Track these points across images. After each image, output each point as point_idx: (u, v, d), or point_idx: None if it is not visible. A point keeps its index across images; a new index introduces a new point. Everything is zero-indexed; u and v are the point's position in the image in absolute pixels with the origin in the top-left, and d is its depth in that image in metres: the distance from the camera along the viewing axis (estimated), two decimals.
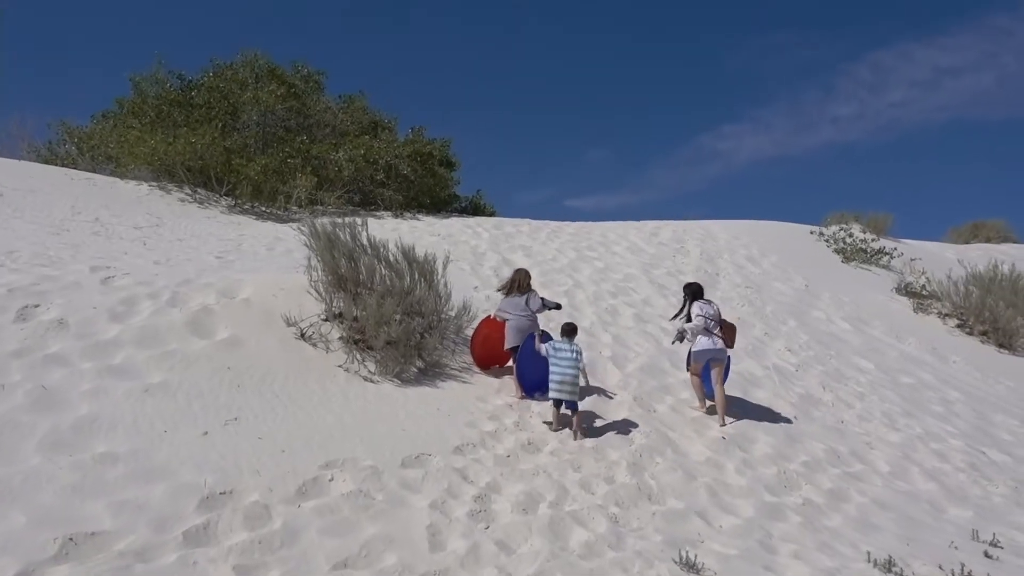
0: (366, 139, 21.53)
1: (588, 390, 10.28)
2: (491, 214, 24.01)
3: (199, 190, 20.13)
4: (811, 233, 23.08)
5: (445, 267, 11.40)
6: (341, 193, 19.43)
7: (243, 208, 19.61)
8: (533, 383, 9.81)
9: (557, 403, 9.03)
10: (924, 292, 18.29)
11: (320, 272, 10.58)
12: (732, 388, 11.15)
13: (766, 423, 9.96)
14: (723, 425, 9.52)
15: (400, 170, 21.21)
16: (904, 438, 10.38)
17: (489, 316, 10.82)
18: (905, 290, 18.61)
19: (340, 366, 9.65)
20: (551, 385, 9.08)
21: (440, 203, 23.36)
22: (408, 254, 11.09)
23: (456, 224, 19.91)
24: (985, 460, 10.04)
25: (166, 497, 6.21)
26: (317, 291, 10.27)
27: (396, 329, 9.82)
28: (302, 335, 10.04)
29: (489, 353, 10.63)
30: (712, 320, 9.77)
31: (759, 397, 10.99)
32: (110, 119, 22.03)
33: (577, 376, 9.07)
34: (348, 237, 10.64)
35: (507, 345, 10.28)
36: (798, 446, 9.41)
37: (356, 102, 23.57)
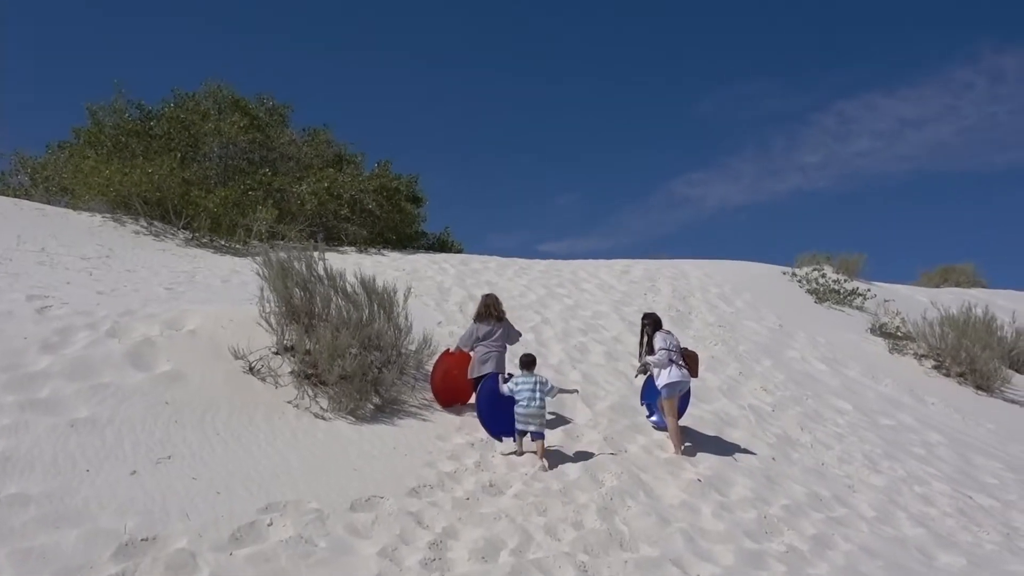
0: (330, 172, 20.98)
1: (556, 428, 9.69)
2: (459, 251, 23.47)
3: (155, 223, 19.41)
4: (783, 273, 22.78)
5: (406, 299, 10.82)
6: (303, 227, 18.79)
7: (200, 241, 18.91)
8: (499, 428, 9.09)
9: (522, 433, 8.76)
10: (899, 333, 17.95)
11: (272, 303, 9.95)
12: (707, 427, 10.62)
13: (743, 465, 9.41)
14: (677, 451, 9.29)
15: (365, 205, 20.63)
16: (887, 481, 9.86)
17: (448, 350, 10.29)
18: (880, 331, 18.26)
19: (290, 402, 8.99)
20: (517, 419, 8.77)
21: (406, 239, 22.79)
22: (367, 284, 10.50)
23: (421, 260, 19.35)
24: (973, 505, 9.53)
25: (79, 544, 5.51)
26: (268, 322, 9.63)
27: (351, 363, 9.19)
28: (251, 369, 9.39)
29: (450, 388, 10.05)
30: (675, 351, 9.55)
31: (735, 437, 10.44)
32: (66, 149, 21.33)
33: (544, 408, 8.81)
34: (303, 266, 10.03)
35: (472, 375, 9.81)
36: (778, 489, 8.86)
37: (320, 135, 23.04)
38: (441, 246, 24.35)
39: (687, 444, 9.61)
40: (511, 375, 9.34)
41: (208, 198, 18.61)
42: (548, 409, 9.07)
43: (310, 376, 9.50)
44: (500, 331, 9.98)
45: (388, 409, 9.55)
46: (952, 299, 23.44)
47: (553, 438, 9.33)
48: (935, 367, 16.74)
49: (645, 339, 9.82)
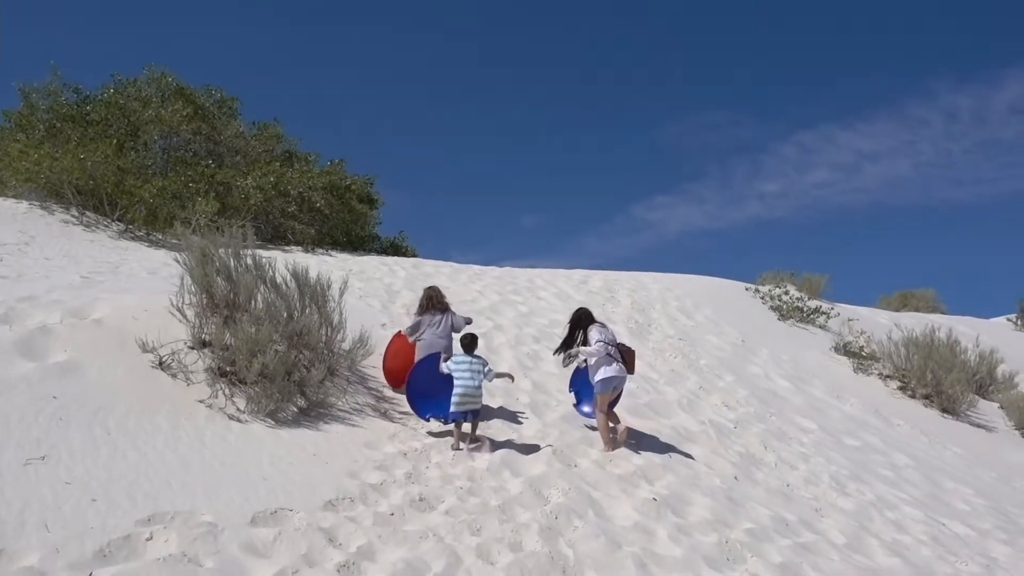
0: (277, 166, 19.92)
1: (500, 439, 8.81)
2: (413, 256, 22.50)
3: (88, 213, 18.21)
4: (746, 289, 22.14)
5: (342, 293, 9.89)
6: (245, 222, 17.69)
7: (135, 234, 17.77)
8: (428, 408, 9.00)
9: (458, 421, 8.52)
10: (864, 353, 17.34)
11: (191, 292, 8.96)
12: (665, 443, 9.80)
13: (704, 484, 8.58)
14: (608, 449, 8.87)
15: (313, 202, 19.58)
16: (856, 505, 9.09)
17: (400, 332, 10.25)
18: (844, 350, 17.64)
19: (202, 401, 8.01)
20: (453, 400, 8.47)
21: (357, 241, 21.70)
22: (298, 276, 9.56)
23: (371, 261, 18.37)
24: (948, 533, 8.80)
25: None
26: (181, 312, 8.63)
27: (272, 360, 8.22)
28: (160, 363, 8.39)
29: (402, 368, 9.68)
30: (612, 345, 9.12)
31: (695, 454, 9.63)
32: None
33: (480, 388, 8.64)
34: (227, 253, 9.06)
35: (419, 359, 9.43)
36: (740, 511, 8.03)
37: (270, 129, 21.91)
38: (395, 251, 23.33)
39: (631, 441, 9.22)
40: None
41: (144, 188, 17.45)
42: (490, 419, 8.26)
43: (228, 374, 8.53)
44: (445, 321, 9.77)
45: (314, 413, 8.59)
46: (914, 322, 22.96)
47: (497, 451, 8.45)
48: (900, 388, 16.13)
49: (580, 333, 9.34)
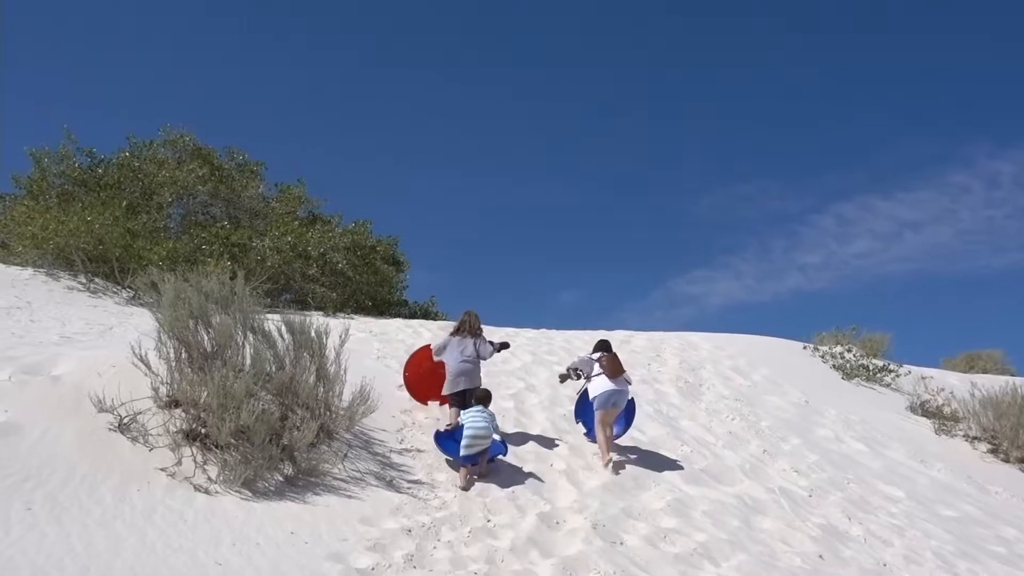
0: (295, 225, 18.80)
1: (528, 513, 7.25)
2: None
3: (96, 280, 17.18)
4: (804, 348, 20.36)
5: (342, 342, 8.51)
6: (258, 284, 16.48)
7: (144, 301, 16.62)
8: (448, 442, 8.54)
9: (468, 464, 8.08)
10: (945, 413, 15.44)
11: (163, 343, 7.64)
12: (730, 515, 8.13)
13: (782, 564, 6.91)
14: (607, 464, 8.77)
15: (335, 263, 18.38)
16: None
17: (428, 345, 10.20)
18: (922, 409, 15.75)
19: (164, 469, 6.60)
20: (463, 443, 8.06)
21: (383, 306, 20.37)
22: (291, 323, 8.21)
23: (395, 323, 17.01)
24: None
25: None
26: (145, 363, 7.28)
27: (249, 417, 6.80)
28: (120, 425, 7.01)
29: (427, 376, 9.94)
30: (596, 362, 9.39)
31: (767, 527, 7.95)
32: (7, 199, 19.26)
33: (490, 429, 8.29)
34: (200, 295, 7.75)
35: (446, 391, 9.30)
36: None
37: (293, 190, 20.93)
38: (425, 317, 21.98)
39: (619, 457, 9.08)
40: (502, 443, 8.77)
41: (154, 251, 16.38)
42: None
43: (200, 437, 7.13)
44: (474, 346, 9.49)
45: (302, 482, 7.12)
46: (988, 381, 20.92)
47: (525, 526, 6.90)
48: (991, 451, 14.17)
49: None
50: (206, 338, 7.55)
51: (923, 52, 67.55)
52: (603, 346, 9.86)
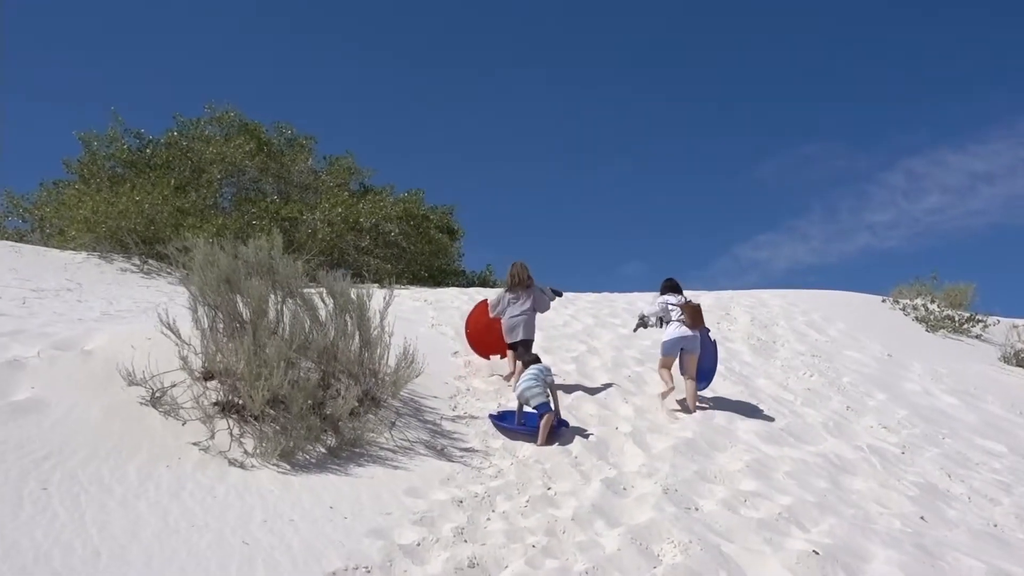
0: (344, 196, 18.33)
1: (589, 481, 6.63)
2: None
3: (150, 261, 16.99)
4: (883, 301, 19.26)
5: (388, 304, 7.97)
6: (311, 257, 16.06)
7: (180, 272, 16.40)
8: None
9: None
10: None
11: (195, 309, 7.18)
12: (815, 475, 7.38)
13: (879, 528, 6.16)
14: (691, 411, 8.77)
15: (388, 233, 17.88)
16: None
17: (486, 301, 10.19)
18: (1016, 359, 14.67)
19: (196, 443, 6.13)
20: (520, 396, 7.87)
21: (439, 276, 19.81)
22: (332, 287, 7.69)
23: (450, 292, 16.48)
24: None
25: None
26: (174, 331, 6.82)
27: (283, 383, 6.29)
28: (153, 398, 6.57)
29: (487, 328, 9.85)
30: (676, 307, 9.16)
31: (858, 488, 7.18)
32: (61, 185, 19.19)
33: (537, 382, 7.83)
34: (232, 255, 7.27)
35: (509, 340, 9.37)
36: (943, 566, 5.57)
37: (341, 162, 20.45)
38: (482, 285, 21.41)
39: (702, 406, 9.02)
40: (563, 421, 8.07)
41: (204, 228, 16.08)
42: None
43: (238, 409, 6.65)
44: (528, 298, 9.44)
45: (345, 453, 6.60)
46: None
47: (589, 493, 6.28)
48: None
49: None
50: (240, 303, 7.05)
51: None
52: (672, 286, 9.55)
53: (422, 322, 12.75)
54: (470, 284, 20.97)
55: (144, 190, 16.41)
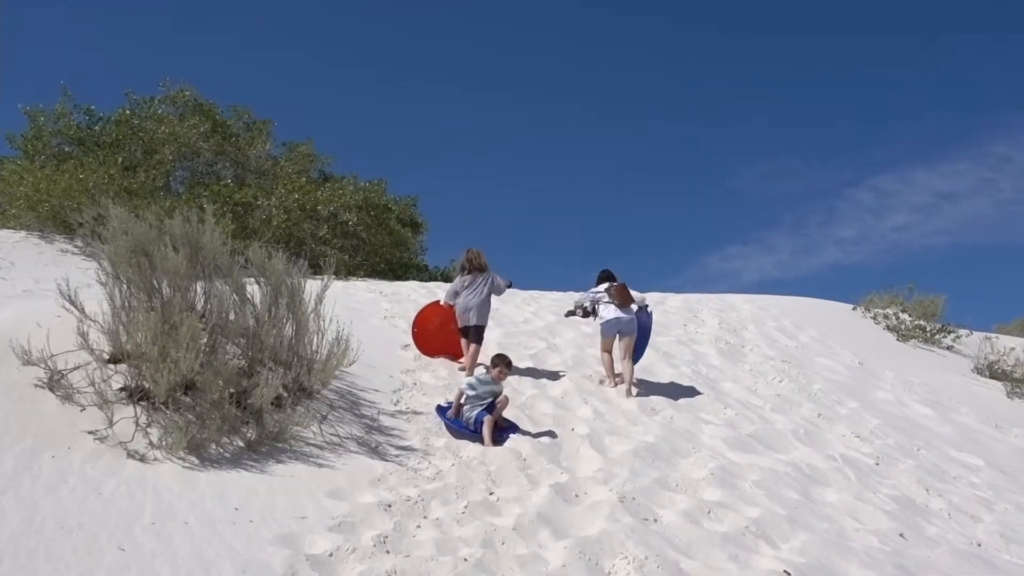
0: (302, 182, 17.54)
1: (537, 486, 5.97)
2: None
3: (94, 242, 16.09)
4: (853, 309, 18.84)
5: (325, 287, 7.27)
6: (264, 244, 15.21)
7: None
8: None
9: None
10: (1017, 375, 13.91)
11: (109, 280, 6.45)
12: (786, 486, 6.78)
13: (856, 545, 5.56)
14: (631, 395, 8.82)
15: (346, 222, 17.10)
16: None
17: (437, 302, 10.07)
18: (990, 371, 14.25)
19: (93, 432, 5.39)
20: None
21: (400, 269, 19.07)
22: (264, 266, 6.98)
23: (409, 285, 15.76)
24: None
25: None
26: (75, 304, 6.08)
27: (192, 364, 5.57)
28: (51, 381, 5.82)
29: (434, 330, 9.63)
30: (606, 291, 9.21)
31: (831, 502, 6.59)
32: (3, 161, 18.18)
33: (476, 387, 7.31)
34: (148, 225, 6.54)
35: (461, 324, 9.19)
36: None
37: (300, 148, 19.64)
38: (445, 280, 20.68)
39: (636, 391, 8.98)
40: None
41: (151, 209, 15.21)
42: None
43: (147, 395, 5.92)
44: (482, 282, 9.27)
45: (266, 448, 5.88)
46: None
47: (536, 499, 5.62)
48: None
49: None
50: (152, 278, 6.32)
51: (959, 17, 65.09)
52: (607, 276, 9.60)
53: (374, 314, 12.07)
54: (432, 279, 20.24)
55: (90, 168, 15.52)
